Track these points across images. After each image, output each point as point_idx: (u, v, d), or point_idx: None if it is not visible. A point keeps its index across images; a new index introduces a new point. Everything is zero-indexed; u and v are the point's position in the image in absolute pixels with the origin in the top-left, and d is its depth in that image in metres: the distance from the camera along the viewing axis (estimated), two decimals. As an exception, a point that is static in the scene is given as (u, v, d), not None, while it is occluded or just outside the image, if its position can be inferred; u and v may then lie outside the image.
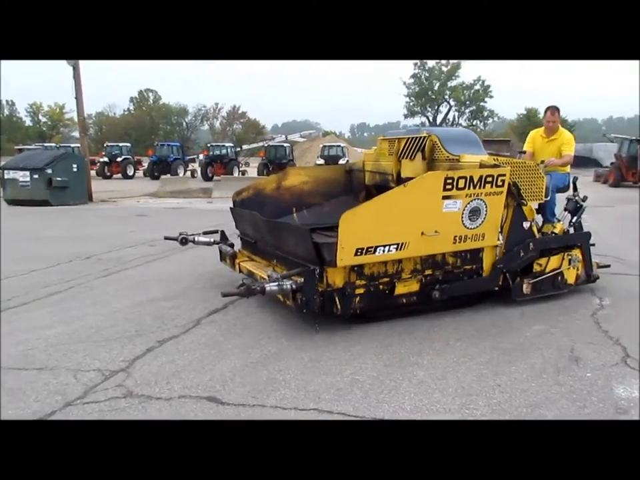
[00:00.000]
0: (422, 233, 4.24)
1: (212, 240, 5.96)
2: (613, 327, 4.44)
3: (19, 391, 3.28)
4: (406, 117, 64.53)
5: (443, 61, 59.49)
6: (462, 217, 4.40)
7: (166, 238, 6.10)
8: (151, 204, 16.74)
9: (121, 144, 35.60)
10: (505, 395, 3.23)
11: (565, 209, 5.51)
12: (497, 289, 4.90)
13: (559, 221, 5.48)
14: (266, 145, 33.66)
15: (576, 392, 3.28)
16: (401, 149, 5.61)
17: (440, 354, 3.87)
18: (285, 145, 32.10)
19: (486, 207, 4.49)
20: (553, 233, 5.31)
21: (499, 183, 4.49)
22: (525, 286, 4.86)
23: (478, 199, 4.43)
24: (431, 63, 60.25)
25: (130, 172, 32.94)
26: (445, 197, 4.28)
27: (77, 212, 13.86)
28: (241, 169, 32.14)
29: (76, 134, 52.26)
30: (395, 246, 4.16)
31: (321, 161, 28.14)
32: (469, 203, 4.39)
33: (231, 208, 5.88)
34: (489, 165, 4.61)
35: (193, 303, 5.15)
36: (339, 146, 32.25)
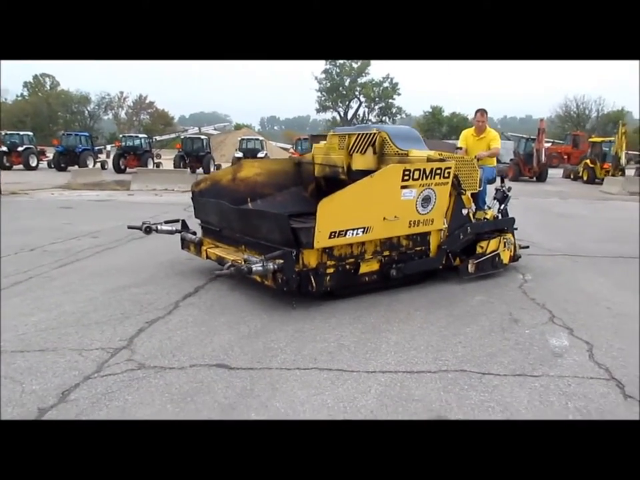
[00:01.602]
0: (384, 218, 4.84)
1: (174, 229, 6.22)
2: (537, 296, 5.31)
3: (32, 370, 3.47)
4: (318, 111, 65.70)
5: (353, 58, 61.13)
6: (416, 204, 5.06)
7: (129, 227, 6.27)
8: (68, 196, 16.15)
9: (21, 132, 33.42)
10: (466, 349, 3.91)
11: (494, 198, 6.37)
12: (441, 267, 5.62)
13: (489, 208, 6.33)
14: (182, 137, 33.05)
15: (520, 344, 4.04)
16: (352, 144, 6.17)
17: (405, 322, 4.49)
18: (202, 137, 31.74)
19: (435, 196, 5.17)
20: (485, 218, 6.14)
21: (446, 175, 5.19)
22: (470, 266, 5.63)
23: (429, 189, 5.10)
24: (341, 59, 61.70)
25: (33, 163, 30.98)
26: (403, 187, 4.91)
27: (-7, 205, 13.17)
28: (155, 161, 31.36)
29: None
30: (362, 229, 4.73)
31: (240, 154, 28.14)
32: (422, 192, 5.05)
33: (192, 198, 6.16)
34: (437, 159, 5.29)
35: (164, 288, 5.41)
36: (257, 139, 32.39)
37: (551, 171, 28.38)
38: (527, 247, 6.80)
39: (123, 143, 30.42)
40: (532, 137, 27.15)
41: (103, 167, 30.83)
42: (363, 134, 6.00)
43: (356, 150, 6.11)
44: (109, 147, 39.97)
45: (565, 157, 36.82)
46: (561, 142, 41.36)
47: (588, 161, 26.27)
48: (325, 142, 6.78)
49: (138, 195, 16.79)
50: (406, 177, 4.89)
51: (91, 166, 30.00)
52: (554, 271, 6.46)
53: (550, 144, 35.77)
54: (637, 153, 33.65)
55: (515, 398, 3.20)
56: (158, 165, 31.27)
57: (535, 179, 25.92)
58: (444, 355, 3.80)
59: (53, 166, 30.91)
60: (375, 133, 5.85)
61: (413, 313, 4.71)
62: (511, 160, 27.12)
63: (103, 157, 35.28)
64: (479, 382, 3.40)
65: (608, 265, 6.99)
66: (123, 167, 28.90)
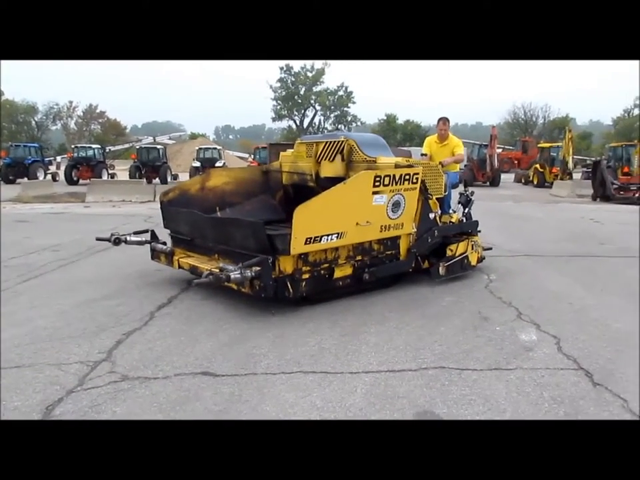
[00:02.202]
0: (357, 223, 4.95)
1: (144, 239, 6.16)
2: (504, 294, 5.53)
3: (11, 387, 3.38)
4: (274, 120, 65.71)
5: (308, 66, 61.67)
6: (387, 209, 5.20)
7: (98, 239, 6.17)
8: (21, 209, 15.65)
9: (-36, 144, 32.08)
10: (443, 347, 4.06)
11: (459, 202, 6.60)
12: (410, 270, 5.78)
13: (454, 212, 6.55)
14: (137, 147, 32.48)
15: (493, 340, 4.22)
16: (320, 152, 6.28)
17: (381, 323, 4.61)
18: (158, 147, 31.26)
19: (404, 201, 5.33)
20: (450, 222, 6.35)
21: (414, 180, 5.36)
22: (441, 268, 5.81)
23: (399, 194, 5.26)
24: (296, 68, 62.12)
25: (-24, 175, 29.75)
26: (374, 192, 5.04)
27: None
28: (110, 172, 30.67)
29: None
30: (336, 235, 4.83)
31: (197, 164, 27.98)
32: (392, 197, 5.20)
33: (161, 208, 6.12)
34: (405, 165, 5.46)
35: (136, 300, 5.35)
36: (215, 148, 32.20)
37: (503, 176, 29.48)
38: (490, 248, 7.06)
39: (75, 154, 29.62)
40: (484, 143, 28.09)
41: (54, 179, 29.92)
42: (331, 142, 6.12)
43: (324, 157, 6.22)
44: (59, 158, 38.88)
45: (516, 162, 38.24)
46: (511, 148, 42.91)
47: (538, 166, 27.39)
48: (292, 150, 6.87)
49: (94, 207, 16.42)
50: (377, 183, 5.03)
51: (41, 178, 29.01)
52: (516, 270, 6.73)
53: (501, 150, 36.96)
54: (583, 157, 35.24)
55: (494, 390, 3.35)
56: (113, 175, 30.63)
57: (488, 183, 26.81)
58: (422, 354, 3.93)
59: (0, 179, 29.76)
60: (342, 141, 5.98)
61: (388, 315, 4.84)
62: (465, 165, 27.89)
63: (53, 168, 34.21)
64: (458, 377, 3.54)
65: (564, 263, 7.33)
66: (75, 179, 28.10)
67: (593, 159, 29.94)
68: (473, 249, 6.17)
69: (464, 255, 6.07)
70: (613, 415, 3.04)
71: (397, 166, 5.50)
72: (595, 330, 4.49)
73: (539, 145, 31.84)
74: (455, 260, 5.95)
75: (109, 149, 36.40)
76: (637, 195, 17.63)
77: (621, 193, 18.25)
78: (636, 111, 64.50)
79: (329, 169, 6.13)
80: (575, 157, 28.41)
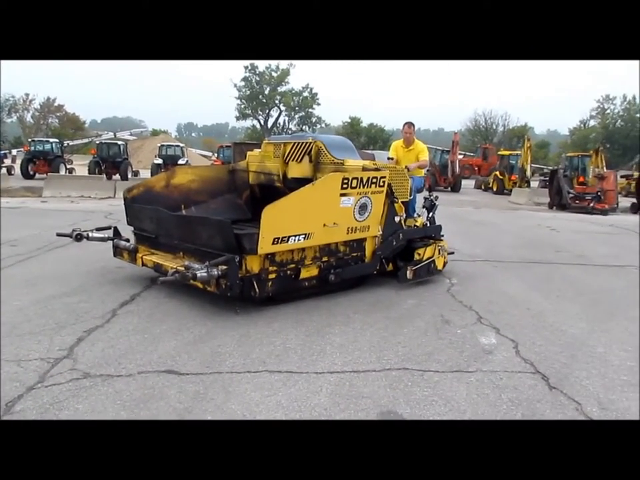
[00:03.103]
0: (324, 225, 5.00)
1: (106, 236, 6.05)
2: (465, 298, 5.67)
3: (-33, 383, 3.29)
4: (237, 119, 65.23)
5: (273, 66, 61.47)
6: (354, 211, 5.26)
7: (58, 234, 6.02)
8: (-26, 203, 15.10)
9: None
10: (406, 349, 4.14)
11: (423, 206, 6.73)
12: (375, 272, 5.86)
13: (419, 216, 6.67)
14: (97, 142, 31.71)
15: (454, 343, 4.32)
16: (288, 152, 6.29)
17: (346, 324, 4.66)
18: (119, 142, 30.61)
19: (371, 203, 5.41)
20: (415, 225, 6.46)
21: (381, 184, 5.45)
22: (408, 272, 5.89)
23: (366, 197, 5.33)
24: (261, 67, 61.81)
25: None
26: (342, 194, 5.09)
27: None
28: (68, 167, 29.82)
29: None
30: (303, 236, 4.86)
31: (159, 161, 27.43)
32: (359, 200, 5.27)
33: (125, 204, 6.02)
34: (372, 168, 5.53)
35: (97, 297, 5.25)
36: (177, 146, 31.68)
37: (463, 182, 30.09)
38: (452, 252, 7.21)
39: (32, 148, 28.68)
40: (446, 149, 28.62)
41: (9, 173, 28.97)
42: (299, 143, 6.15)
43: (292, 158, 6.24)
44: (14, 152, 37.62)
45: (476, 168, 39.06)
46: (472, 154, 43.81)
47: (497, 173, 28.11)
48: (259, 150, 6.87)
49: (52, 202, 15.98)
50: (345, 185, 5.09)
51: (-4, 171, 28.06)
52: (476, 275, 6.91)
53: (462, 156, 37.74)
54: (540, 166, 36.32)
55: (454, 392, 3.44)
56: (71, 170, 29.81)
57: (449, 189, 27.33)
58: (386, 355, 4.00)
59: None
60: (310, 142, 6.01)
61: (352, 316, 4.89)
62: (428, 170, 28.28)
63: (8, 162, 33.07)
64: (421, 378, 3.62)
65: (522, 269, 7.56)
66: (32, 173, 27.23)
67: (550, 167, 31.02)
68: (439, 253, 6.30)
69: (431, 260, 6.18)
70: (567, 417, 3.17)
71: (364, 169, 5.57)
72: (551, 335, 4.65)
73: (499, 153, 32.69)
74: (422, 264, 6.05)
75: (67, 144, 35.33)
76: (591, 204, 18.30)
77: (577, 202, 18.90)
78: (591, 122, 67.07)
79: (297, 170, 6.15)
80: (532, 165, 29.30)
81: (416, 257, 6.06)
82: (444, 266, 6.53)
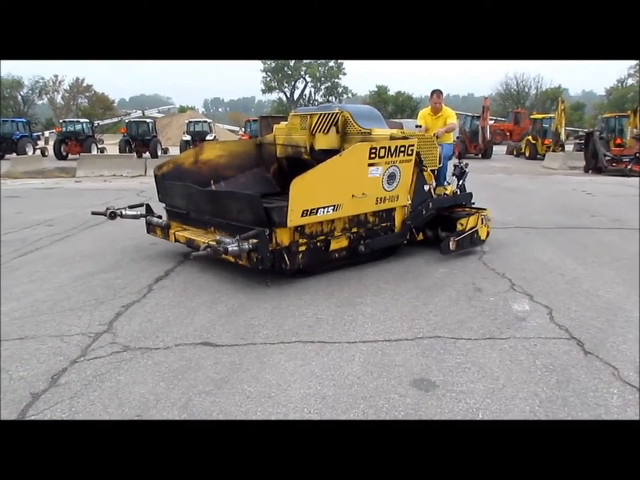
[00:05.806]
0: (352, 196, 4.98)
1: (139, 213, 6.16)
2: (497, 266, 5.61)
3: (15, 357, 3.44)
4: (263, 92, 64.93)
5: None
6: (382, 181, 5.22)
7: (93, 213, 6.17)
8: (12, 185, 15.52)
9: (-48, 120, 31.47)
10: (438, 317, 4.14)
11: (453, 174, 6.62)
12: (405, 242, 5.84)
13: (449, 184, 6.58)
14: (126, 121, 32.03)
15: (487, 310, 4.30)
16: (314, 124, 6.25)
17: (377, 294, 4.68)
18: (148, 120, 30.81)
19: (400, 173, 5.35)
20: (445, 194, 6.38)
21: (409, 152, 5.38)
22: (451, 243, 5.82)
23: (394, 166, 5.27)
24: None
25: (-35, 152, 29.32)
26: (370, 164, 5.05)
27: None
28: (99, 147, 30.30)
29: None
30: (332, 207, 4.86)
31: (188, 137, 27.68)
32: (387, 169, 5.22)
33: (156, 182, 6.11)
34: (400, 137, 5.46)
35: (133, 273, 5.39)
36: (205, 122, 31.84)
37: (495, 148, 29.38)
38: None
39: (64, 129, 29.16)
40: (476, 115, 27.92)
41: (43, 154, 29.63)
42: (326, 114, 6.10)
43: (319, 130, 6.20)
44: (47, 133, 38.30)
45: (508, 134, 38.00)
46: (503, 119, 42.61)
47: (530, 138, 27.33)
48: (285, 122, 6.84)
49: (85, 182, 16.35)
50: (372, 155, 5.04)
51: (30, 153, 28.64)
52: (509, 242, 6.81)
53: (493, 121, 36.80)
54: (575, 129, 35.18)
55: (487, 359, 3.44)
56: (102, 150, 30.27)
57: (480, 155, 26.77)
58: (418, 324, 4.01)
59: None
60: (337, 113, 5.95)
61: (383, 286, 4.90)
62: (457, 137, 27.80)
63: (41, 143, 33.73)
64: (453, 346, 3.62)
65: (556, 235, 7.41)
66: (64, 154, 27.78)
67: (586, 130, 29.95)
68: (482, 222, 6.20)
69: (474, 230, 6.10)
70: (603, 382, 3.13)
71: (392, 138, 5.50)
72: (586, 300, 4.58)
73: (531, 117, 31.70)
74: (465, 234, 5.97)
75: (98, 123, 35.81)
76: (629, 166, 17.71)
77: (614, 164, 18.32)
78: (629, 81, 64.18)
79: (324, 141, 6.11)
80: (567, 128, 28.39)
81: (459, 227, 5.96)
82: (487, 236, 6.41)
